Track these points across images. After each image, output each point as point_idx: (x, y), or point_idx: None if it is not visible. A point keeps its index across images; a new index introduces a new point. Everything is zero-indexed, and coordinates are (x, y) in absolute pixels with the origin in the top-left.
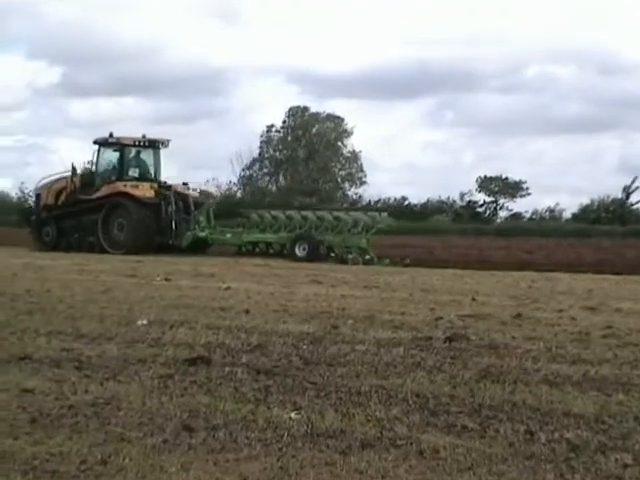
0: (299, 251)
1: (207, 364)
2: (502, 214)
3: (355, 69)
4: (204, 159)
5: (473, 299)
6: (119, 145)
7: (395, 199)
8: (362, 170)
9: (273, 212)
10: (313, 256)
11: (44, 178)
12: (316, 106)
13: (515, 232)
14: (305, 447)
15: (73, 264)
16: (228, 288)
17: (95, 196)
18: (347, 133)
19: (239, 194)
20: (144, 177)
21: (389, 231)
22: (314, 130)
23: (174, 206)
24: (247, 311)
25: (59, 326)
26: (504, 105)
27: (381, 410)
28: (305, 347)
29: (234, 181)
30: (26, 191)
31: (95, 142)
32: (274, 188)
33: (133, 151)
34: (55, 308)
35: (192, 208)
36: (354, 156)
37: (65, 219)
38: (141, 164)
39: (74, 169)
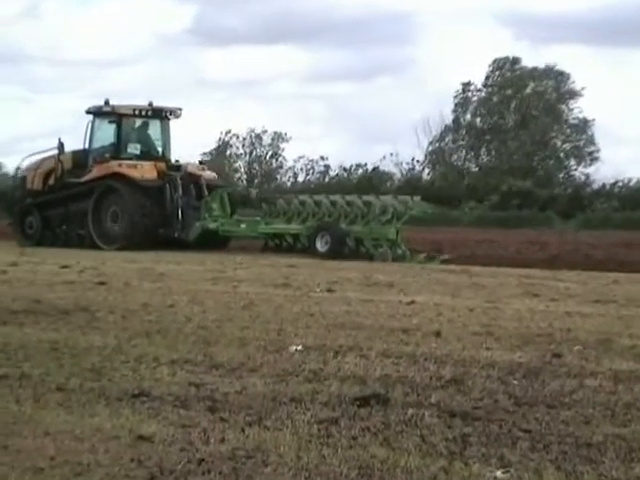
0: (320, 245)
1: (384, 404)
2: None
3: (587, 7)
4: (381, 128)
5: None
6: (115, 115)
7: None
8: (593, 143)
9: (301, 197)
10: (337, 251)
11: (29, 156)
12: (531, 57)
13: None
14: None
15: (205, 270)
16: (412, 302)
17: (85, 179)
18: (574, 94)
19: (426, 174)
20: (148, 154)
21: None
22: (528, 89)
23: (181, 190)
24: (438, 333)
25: (186, 353)
26: None
27: (619, 468)
28: (516, 382)
29: (419, 158)
30: None
31: (88, 111)
32: (474, 167)
33: (134, 122)
34: (181, 329)
35: (205, 193)
36: (583, 124)
37: (51, 207)
38: (144, 139)
39: (61, 145)
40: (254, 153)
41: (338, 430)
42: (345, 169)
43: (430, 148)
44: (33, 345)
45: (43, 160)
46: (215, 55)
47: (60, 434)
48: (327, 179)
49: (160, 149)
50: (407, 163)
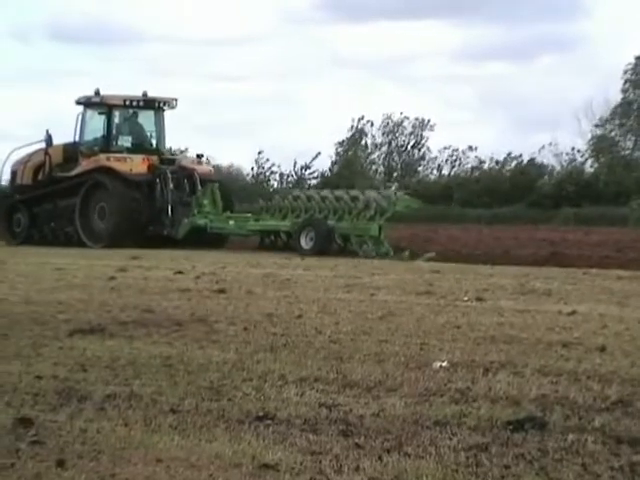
0: (305, 242)
1: (541, 429)
2: None
3: None
4: (540, 114)
5: None
6: (105, 106)
7: None
8: None
9: (295, 192)
10: (322, 248)
11: (15, 149)
12: None
13: None
14: None
15: (337, 276)
16: (573, 313)
17: (73, 173)
18: None
19: (589, 165)
20: (140, 147)
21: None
22: None
23: (172, 185)
24: (602, 348)
25: (316, 370)
26: None
27: None
28: None
29: (581, 147)
30: (266, 165)
31: (78, 102)
32: None
33: (125, 114)
34: (310, 343)
35: (199, 188)
36: None
37: (40, 204)
38: (136, 131)
39: (49, 137)
40: (393, 143)
41: (488, 458)
42: (497, 162)
43: (595, 132)
44: (144, 361)
45: (33, 153)
46: (348, 32)
47: (174, 461)
48: (477, 172)
49: (154, 141)
50: (567, 153)
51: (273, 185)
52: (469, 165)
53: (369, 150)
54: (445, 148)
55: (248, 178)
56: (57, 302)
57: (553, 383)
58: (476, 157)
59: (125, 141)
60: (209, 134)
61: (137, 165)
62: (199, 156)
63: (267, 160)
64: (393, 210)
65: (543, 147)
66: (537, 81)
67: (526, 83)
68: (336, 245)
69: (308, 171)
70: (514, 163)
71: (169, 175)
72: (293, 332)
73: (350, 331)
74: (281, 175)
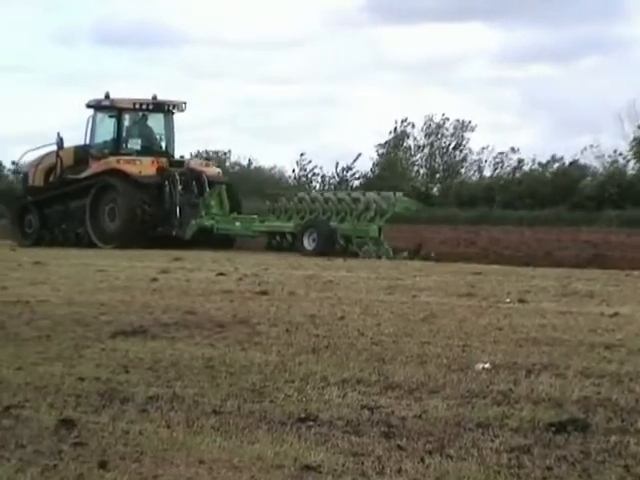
0: (308, 243)
1: (583, 431)
2: None
3: None
4: (584, 116)
5: None
6: (115, 109)
7: None
8: None
9: (300, 194)
10: (325, 249)
11: (27, 152)
12: None
13: None
14: None
15: (379, 278)
16: (615, 314)
17: (84, 175)
18: None
19: (631, 167)
20: (150, 150)
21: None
22: None
23: (180, 187)
24: None
25: (358, 371)
26: None
27: None
28: None
29: (623, 149)
30: (308, 167)
31: (88, 105)
32: None
33: (135, 117)
34: (352, 344)
35: (207, 190)
36: None
37: (50, 205)
38: (146, 133)
39: (60, 140)
40: (435, 144)
41: (530, 460)
42: (540, 163)
43: (638, 134)
44: (186, 362)
45: (44, 156)
46: (392, 35)
47: (216, 462)
48: (519, 174)
49: (163, 144)
50: (609, 155)
51: (315, 187)
52: (511, 167)
53: (412, 151)
54: (483, 148)
55: (290, 180)
56: (99, 304)
57: (595, 385)
58: (520, 160)
59: (135, 144)
60: (254, 136)
61: (146, 167)
62: (207, 158)
63: (309, 162)
64: (393, 211)
65: (585, 149)
66: (579, 83)
67: (568, 85)
68: (338, 246)
69: (349, 172)
70: (556, 165)
71: (177, 177)
72: (335, 334)
73: (392, 333)
74: (323, 177)
